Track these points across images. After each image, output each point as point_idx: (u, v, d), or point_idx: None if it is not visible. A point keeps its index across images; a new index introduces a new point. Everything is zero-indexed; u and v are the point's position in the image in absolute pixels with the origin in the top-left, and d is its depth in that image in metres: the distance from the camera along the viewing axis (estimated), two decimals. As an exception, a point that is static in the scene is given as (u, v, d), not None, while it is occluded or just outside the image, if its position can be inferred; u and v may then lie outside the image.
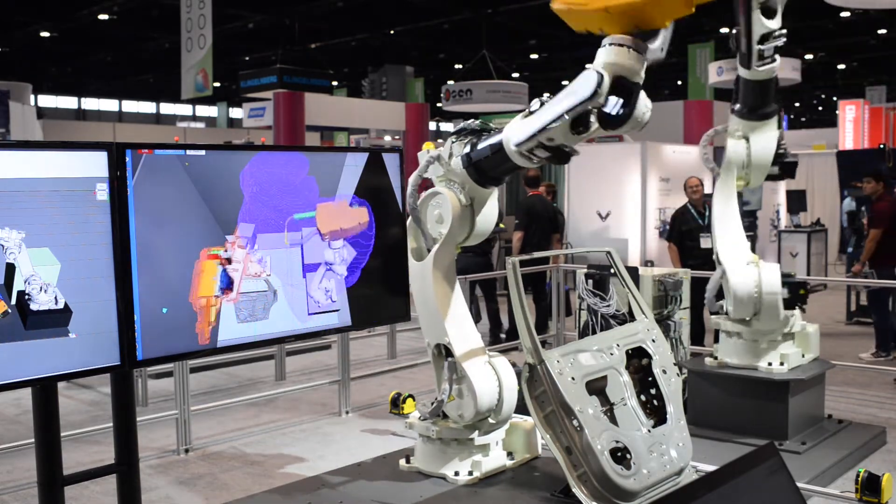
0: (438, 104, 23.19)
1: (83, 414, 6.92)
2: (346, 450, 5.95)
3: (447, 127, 36.54)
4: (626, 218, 12.45)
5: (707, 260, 7.49)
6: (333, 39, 26.01)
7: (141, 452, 3.20)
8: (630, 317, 4.69)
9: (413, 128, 18.73)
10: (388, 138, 23.60)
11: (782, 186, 15.91)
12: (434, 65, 30.86)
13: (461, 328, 4.21)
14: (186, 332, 3.03)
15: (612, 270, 5.49)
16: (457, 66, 28.65)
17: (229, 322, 3.16)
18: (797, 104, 42.67)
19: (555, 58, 29.17)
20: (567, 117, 3.50)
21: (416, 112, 19.07)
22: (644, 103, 3.57)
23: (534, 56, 28.51)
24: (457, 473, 4.18)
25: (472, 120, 4.22)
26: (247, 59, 28.42)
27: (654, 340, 4.36)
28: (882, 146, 13.37)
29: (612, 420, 3.98)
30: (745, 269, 5.64)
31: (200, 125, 38.98)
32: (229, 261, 3.14)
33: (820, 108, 44.67)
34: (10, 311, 2.56)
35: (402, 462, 4.42)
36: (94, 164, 2.77)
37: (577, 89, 3.49)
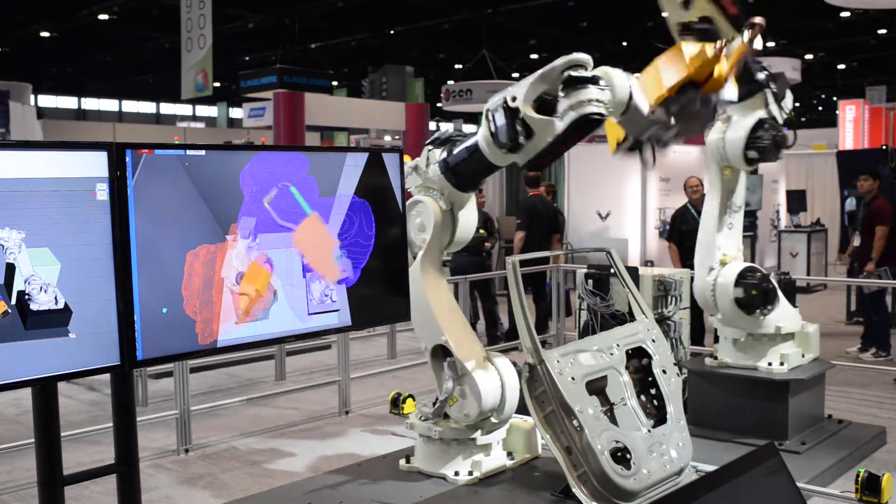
0: (438, 104, 23.21)
1: (83, 414, 6.92)
2: (346, 450, 5.95)
3: (447, 127, 36.59)
4: (626, 218, 12.45)
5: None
6: (333, 39, 26.01)
7: (141, 452, 3.20)
8: (630, 317, 4.70)
9: (413, 128, 18.72)
10: (388, 138, 23.62)
11: (782, 186, 15.92)
12: (434, 65, 30.86)
13: (456, 327, 4.25)
14: (186, 332, 3.03)
15: (612, 270, 5.49)
16: (457, 66, 28.66)
17: (229, 322, 3.16)
18: (797, 104, 42.63)
19: (555, 58, 29.03)
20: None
21: (416, 112, 19.06)
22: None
23: (534, 56, 28.51)
24: (457, 473, 4.18)
25: (445, 128, 4.33)
26: (247, 59, 28.42)
27: (654, 340, 4.36)
28: (885, 146, 13.37)
29: (612, 420, 3.98)
30: (707, 271, 5.69)
31: (200, 125, 38.99)
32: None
33: (820, 108, 44.66)
34: (10, 311, 2.56)
35: (402, 462, 4.42)
36: (94, 164, 2.77)
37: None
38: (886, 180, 10.69)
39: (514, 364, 4.26)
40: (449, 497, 4.04)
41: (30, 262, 2.59)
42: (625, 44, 25.92)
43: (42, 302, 2.62)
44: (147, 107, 43.20)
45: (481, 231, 6.52)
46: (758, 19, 4.89)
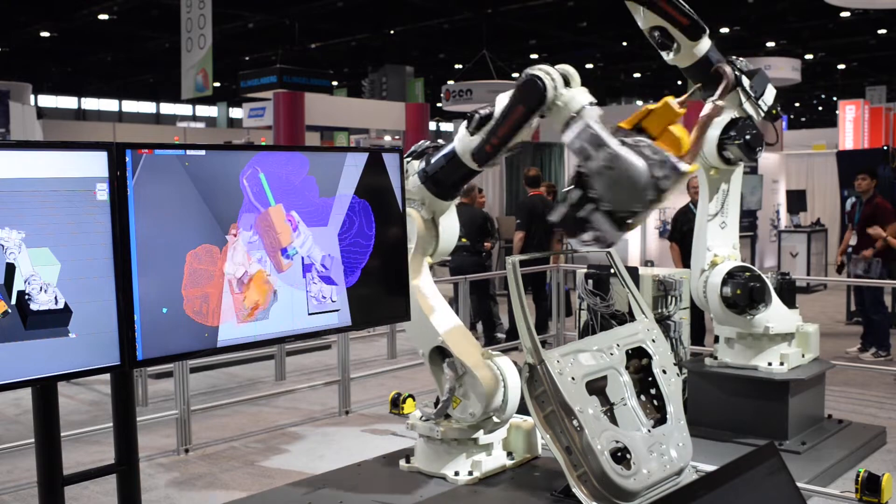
0: (438, 104, 23.19)
1: (83, 414, 6.92)
2: (346, 450, 5.95)
3: (447, 127, 36.55)
4: (626, 218, 12.43)
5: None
6: (333, 39, 26.01)
7: (141, 452, 3.20)
8: (630, 317, 4.70)
9: (413, 128, 18.70)
10: (388, 138, 23.59)
11: (782, 186, 15.92)
12: (434, 65, 30.86)
13: (452, 327, 4.27)
14: (186, 331, 3.03)
15: (612, 270, 5.49)
16: (457, 66, 28.65)
17: (229, 322, 3.16)
18: (797, 104, 42.67)
19: (555, 58, 29.16)
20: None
21: (416, 112, 19.04)
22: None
23: (534, 56, 28.51)
24: (457, 473, 4.19)
25: (420, 142, 4.47)
26: (247, 59, 28.41)
27: (654, 340, 4.36)
28: (885, 147, 13.36)
29: (612, 420, 3.99)
30: (700, 271, 5.69)
31: (200, 125, 38.94)
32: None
33: (820, 108, 44.67)
34: (10, 311, 2.56)
35: (402, 462, 4.43)
36: (94, 164, 2.77)
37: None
38: (886, 181, 10.69)
39: (514, 364, 4.27)
40: (449, 497, 4.04)
41: (30, 262, 2.59)
42: (625, 44, 25.93)
43: (42, 302, 2.62)
44: (147, 107, 43.18)
45: (463, 240, 6.62)
46: (728, 72, 4.90)
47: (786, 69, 19.49)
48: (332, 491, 4.15)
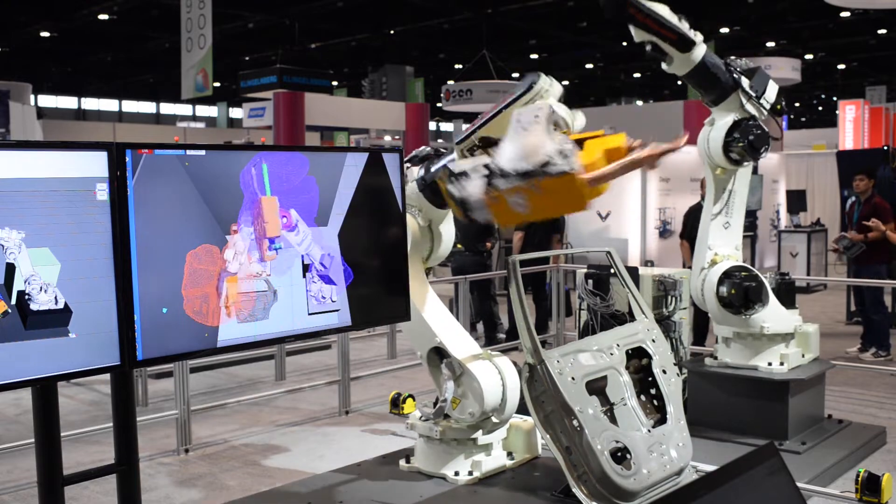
0: (438, 104, 23.22)
1: (83, 414, 6.92)
2: (345, 450, 5.95)
3: (447, 127, 36.55)
4: (626, 218, 12.44)
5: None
6: (333, 39, 26.03)
7: (141, 452, 3.20)
8: (630, 317, 4.70)
9: (413, 128, 18.73)
10: (388, 138, 23.61)
11: (782, 186, 15.92)
12: (434, 65, 30.88)
13: (449, 328, 4.29)
14: (186, 331, 3.03)
15: (612, 270, 5.49)
16: (457, 66, 28.66)
17: (229, 322, 3.16)
18: (797, 104, 42.67)
19: (555, 58, 29.22)
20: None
21: (416, 112, 19.07)
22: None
23: (534, 56, 28.54)
24: (457, 473, 4.19)
25: (421, 147, 4.50)
26: (247, 59, 28.43)
27: (654, 340, 4.36)
28: (885, 147, 13.36)
29: (612, 420, 3.98)
30: (700, 270, 5.71)
31: (200, 125, 38.97)
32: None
33: (820, 108, 44.69)
34: (10, 311, 2.56)
35: (402, 462, 4.43)
36: (94, 164, 2.77)
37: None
38: (886, 181, 10.69)
39: (514, 364, 4.27)
40: (449, 497, 4.04)
41: (30, 262, 2.59)
42: (625, 44, 25.93)
43: (42, 302, 2.62)
44: (147, 107, 43.20)
45: (459, 245, 6.66)
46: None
47: (786, 69, 19.51)
48: (332, 491, 4.15)
